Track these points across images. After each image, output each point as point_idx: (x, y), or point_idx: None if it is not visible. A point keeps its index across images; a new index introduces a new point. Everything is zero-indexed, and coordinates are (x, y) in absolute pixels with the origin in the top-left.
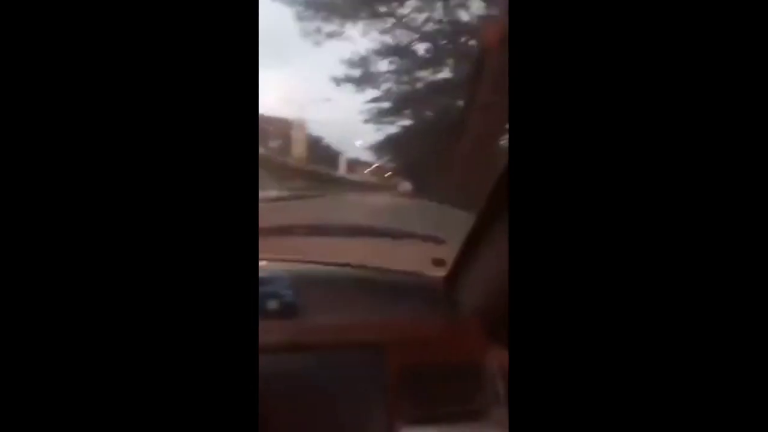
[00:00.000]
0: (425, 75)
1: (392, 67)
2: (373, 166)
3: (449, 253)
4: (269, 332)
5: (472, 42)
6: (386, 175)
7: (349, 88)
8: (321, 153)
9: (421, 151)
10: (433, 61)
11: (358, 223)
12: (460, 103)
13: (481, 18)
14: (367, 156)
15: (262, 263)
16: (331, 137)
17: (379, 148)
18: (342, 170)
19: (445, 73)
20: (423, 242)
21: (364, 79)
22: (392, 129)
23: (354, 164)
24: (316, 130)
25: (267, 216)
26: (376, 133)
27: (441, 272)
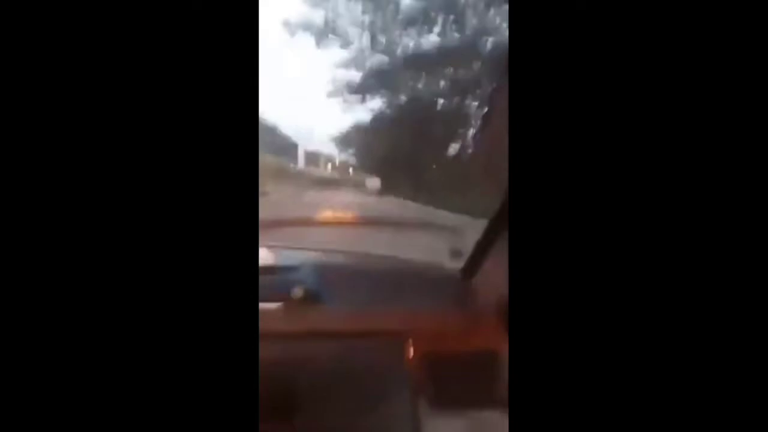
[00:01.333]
0: (407, 41)
1: (365, 27)
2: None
3: (467, 243)
4: (294, 318)
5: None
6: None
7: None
8: (277, 144)
9: (392, 144)
10: (419, 20)
11: (379, 213)
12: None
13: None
14: (329, 148)
15: (286, 252)
16: (287, 127)
17: (343, 140)
18: (301, 164)
19: (431, 40)
20: (440, 232)
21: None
22: (361, 115)
23: (314, 157)
24: (270, 118)
25: None
26: (339, 121)
27: (458, 263)
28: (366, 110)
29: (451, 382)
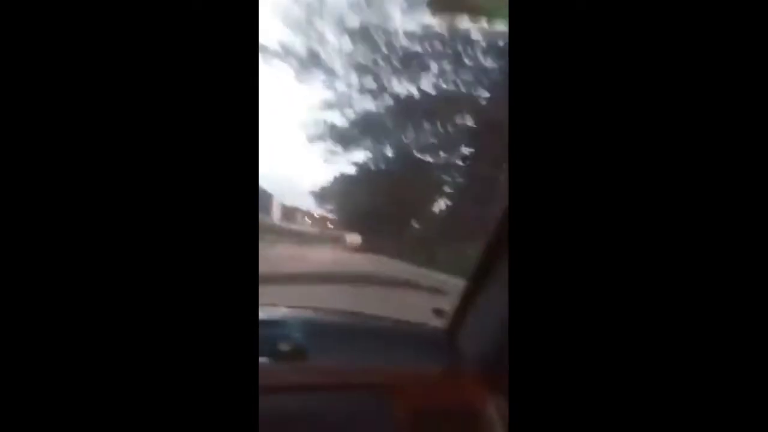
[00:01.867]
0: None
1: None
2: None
3: (449, 302)
4: (280, 373)
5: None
6: (329, 226)
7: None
8: None
9: (375, 199)
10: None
11: (363, 270)
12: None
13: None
14: (306, 203)
15: (273, 308)
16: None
17: (323, 192)
18: (276, 218)
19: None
20: (425, 293)
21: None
22: (343, 166)
23: (291, 211)
24: None
25: None
26: (320, 171)
27: (442, 322)
28: (348, 161)
29: None
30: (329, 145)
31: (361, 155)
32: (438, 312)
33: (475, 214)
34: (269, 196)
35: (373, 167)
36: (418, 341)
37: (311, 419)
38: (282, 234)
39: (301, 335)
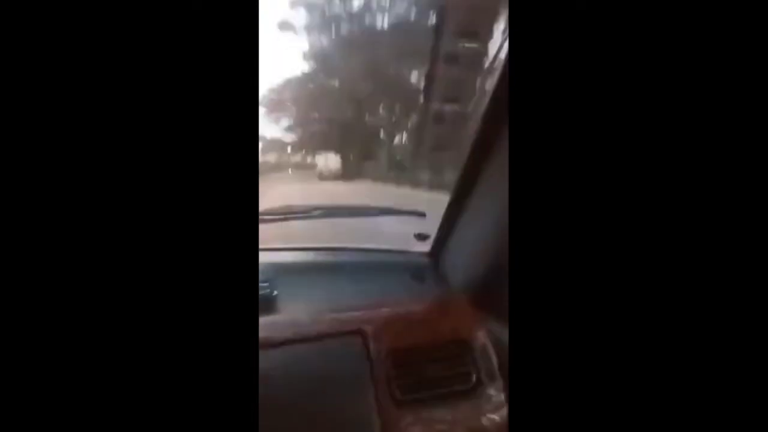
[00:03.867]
0: None
1: None
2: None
3: (432, 227)
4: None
5: None
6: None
7: None
8: None
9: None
10: None
11: (332, 202)
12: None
13: None
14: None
15: None
16: None
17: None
18: None
19: None
20: (404, 217)
21: None
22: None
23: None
24: None
25: None
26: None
27: (425, 247)
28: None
29: (420, 375)
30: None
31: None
32: (420, 236)
33: (455, 119)
34: None
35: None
36: (399, 270)
37: (285, 377)
38: None
39: (270, 283)
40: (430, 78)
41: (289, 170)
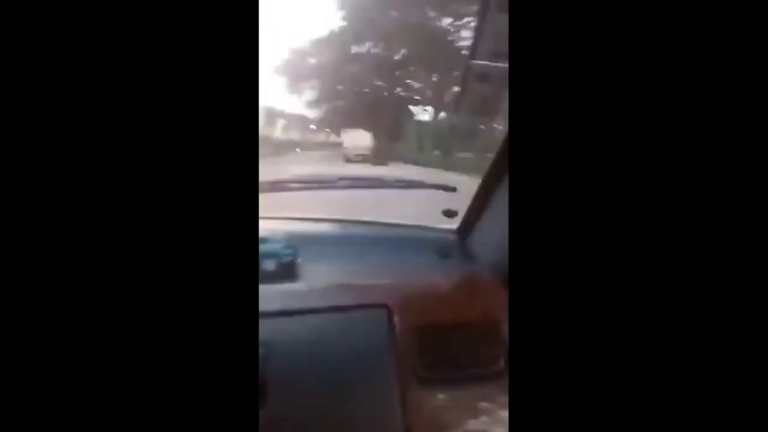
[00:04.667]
0: None
1: None
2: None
3: (461, 202)
4: (268, 297)
5: None
6: (326, 131)
7: None
8: None
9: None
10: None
11: (360, 173)
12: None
13: None
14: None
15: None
16: None
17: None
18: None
19: None
20: (432, 191)
21: None
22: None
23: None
24: None
25: None
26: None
27: (453, 224)
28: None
29: (446, 354)
30: None
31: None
32: (449, 213)
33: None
34: None
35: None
36: (426, 247)
37: (309, 347)
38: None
39: (293, 250)
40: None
41: (297, 150)
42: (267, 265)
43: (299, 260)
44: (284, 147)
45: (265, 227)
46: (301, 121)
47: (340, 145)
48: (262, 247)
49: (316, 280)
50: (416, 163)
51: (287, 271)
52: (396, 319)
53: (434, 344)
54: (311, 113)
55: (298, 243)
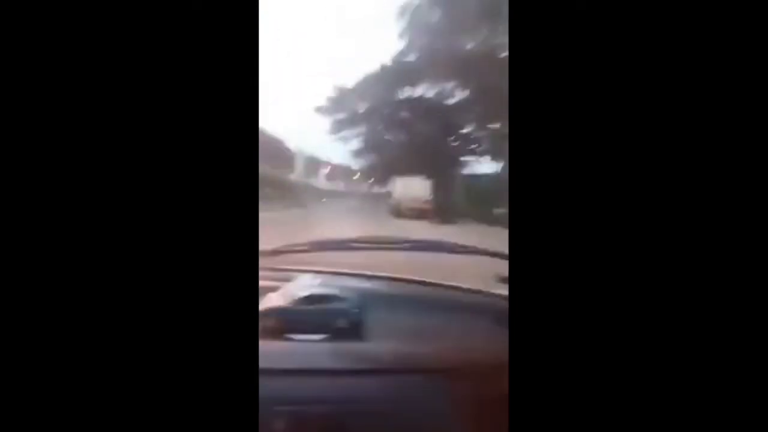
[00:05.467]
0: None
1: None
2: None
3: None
4: (337, 353)
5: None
6: (370, 182)
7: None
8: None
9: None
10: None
11: (420, 237)
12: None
13: None
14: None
15: (325, 276)
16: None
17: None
18: (299, 172)
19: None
20: (487, 258)
21: None
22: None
23: (313, 164)
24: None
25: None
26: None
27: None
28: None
29: (506, 426)
30: None
31: None
32: (503, 279)
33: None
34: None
35: None
36: (484, 312)
37: (363, 407)
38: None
39: (360, 309)
40: None
41: (323, 200)
42: (340, 323)
43: (364, 318)
44: (324, 194)
45: (326, 282)
46: (344, 171)
47: (385, 195)
48: (332, 305)
49: (377, 340)
50: (473, 219)
51: (353, 331)
52: (456, 386)
53: (495, 415)
54: (355, 163)
55: (362, 300)
